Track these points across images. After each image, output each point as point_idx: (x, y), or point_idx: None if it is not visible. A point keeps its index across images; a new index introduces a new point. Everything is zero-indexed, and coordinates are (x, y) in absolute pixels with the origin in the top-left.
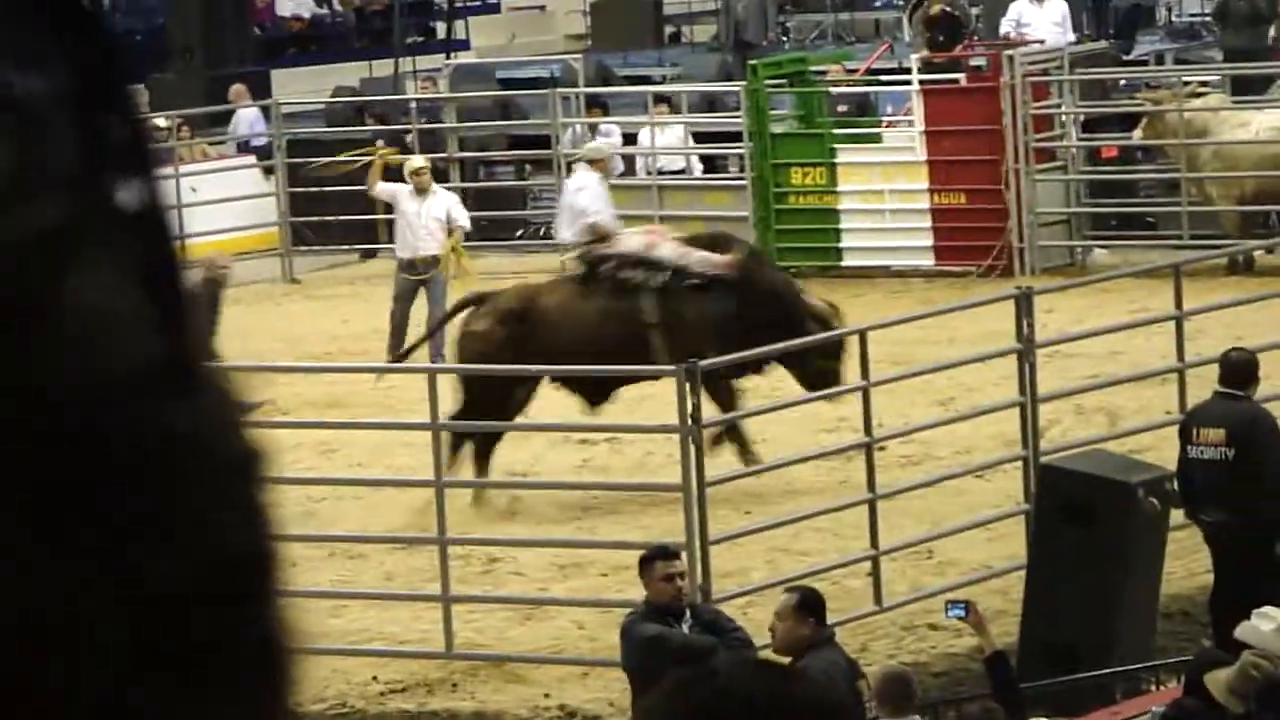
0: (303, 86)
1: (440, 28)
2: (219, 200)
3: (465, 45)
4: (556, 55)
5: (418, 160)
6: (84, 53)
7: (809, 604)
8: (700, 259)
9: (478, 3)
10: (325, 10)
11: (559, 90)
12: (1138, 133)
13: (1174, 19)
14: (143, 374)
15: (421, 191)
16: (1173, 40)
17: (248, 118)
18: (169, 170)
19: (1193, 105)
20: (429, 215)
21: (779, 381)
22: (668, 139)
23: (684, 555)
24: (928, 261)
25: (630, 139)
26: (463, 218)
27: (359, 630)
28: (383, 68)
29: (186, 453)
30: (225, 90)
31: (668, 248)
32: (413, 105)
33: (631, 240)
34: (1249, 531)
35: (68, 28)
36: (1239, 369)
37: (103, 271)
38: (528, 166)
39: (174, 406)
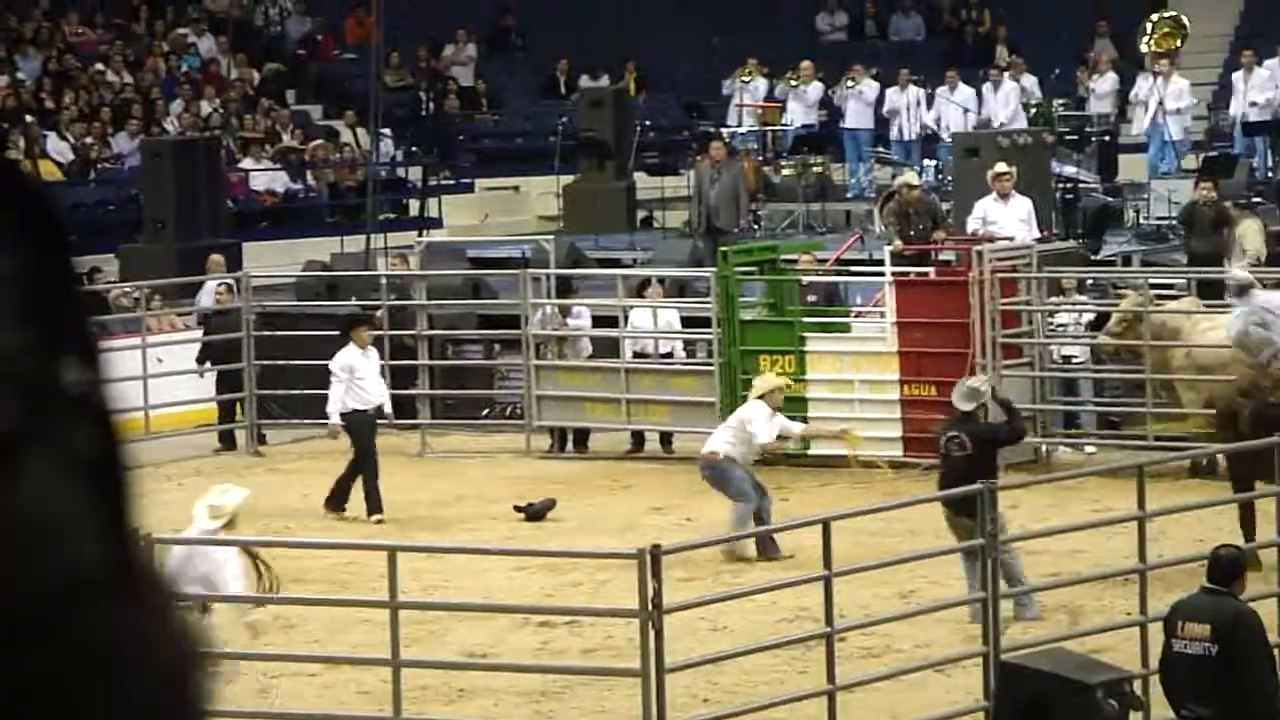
0: (274, 260)
1: (414, 205)
2: (185, 371)
3: (438, 223)
4: (528, 236)
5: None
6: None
7: None
8: None
9: (451, 181)
10: (299, 185)
11: (530, 270)
12: (1103, 336)
13: (1142, 221)
14: (81, 582)
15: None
16: (1140, 242)
17: (211, 289)
18: (136, 341)
19: (1166, 307)
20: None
21: (744, 568)
22: (659, 323)
23: None
24: (896, 452)
25: (605, 321)
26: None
27: None
28: (354, 243)
29: (125, 661)
30: (195, 262)
31: None
32: (383, 281)
33: None
34: None
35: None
36: (1226, 565)
37: (44, 469)
38: (496, 346)
39: (112, 614)
